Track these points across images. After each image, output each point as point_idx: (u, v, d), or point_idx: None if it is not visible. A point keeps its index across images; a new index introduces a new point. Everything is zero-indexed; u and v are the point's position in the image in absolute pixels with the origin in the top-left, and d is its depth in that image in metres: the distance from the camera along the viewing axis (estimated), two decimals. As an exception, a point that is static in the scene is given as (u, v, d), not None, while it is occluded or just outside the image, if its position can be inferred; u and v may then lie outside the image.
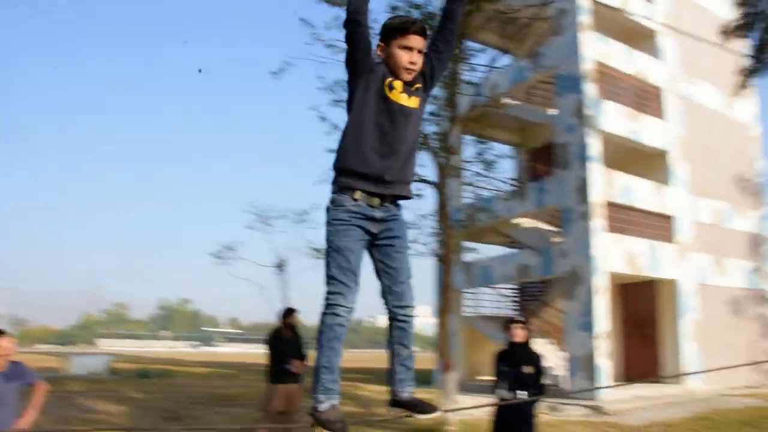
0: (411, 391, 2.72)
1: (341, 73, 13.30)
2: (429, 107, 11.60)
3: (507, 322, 6.61)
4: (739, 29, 11.13)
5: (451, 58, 2.87)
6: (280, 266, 21.84)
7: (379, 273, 2.70)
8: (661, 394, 16.39)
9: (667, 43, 20.84)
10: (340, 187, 2.62)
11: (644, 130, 19.34)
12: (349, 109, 2.66)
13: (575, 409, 13.62)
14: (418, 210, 15.12)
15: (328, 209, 2.62)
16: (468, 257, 21.01)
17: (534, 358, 6.38)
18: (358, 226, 2.59)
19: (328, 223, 2.59)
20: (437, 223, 11.35)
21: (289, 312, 9.07)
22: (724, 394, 16.72)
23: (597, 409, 13.43)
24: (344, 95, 2.74)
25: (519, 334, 6.40)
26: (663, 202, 19.36)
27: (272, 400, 8.60)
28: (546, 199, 18.93)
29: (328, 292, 2.55)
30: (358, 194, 2.58)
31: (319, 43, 11.43)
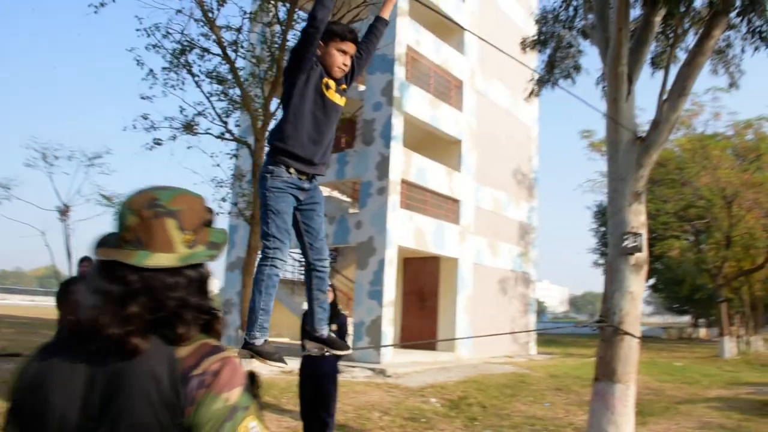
0: (327, 330, 3.36)
1: (160, 17, 12.75)
2: (253, 69, 11.64)
3: None
4: (535, 45, 12.40)
5: (367, 65, 3.44)
6: (63, 212, 20.39)
7: (301, 232, 3.19)
8: (435, 360, 17.98)
9: (470, 41, 22.48)
10: (276, 161, 3.05)
11: (443, 118, 20.77)
12: (290, 96, 3.09)
13: (360, 371, 14.52)
14: (231, 170, 15.03)
15: (265, 178, 3.03)
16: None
17: (339, 318, 7.05)
18: (291, 194, 3.06)
19: (268, 190, 3.02)
20: (251, 183, 11.46)
21: (85, 260, 8.46)
22: (488, 361, 18.76)
23: (380, 372, 14.45)
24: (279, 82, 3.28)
25: (327, 296, 7.02)
26: (452, 186, 21.00)
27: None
28: (347, 171, 19.64)
29: (268, 248, 2.99)
30: (292, 170, 3.04)
31: None
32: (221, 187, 12.98)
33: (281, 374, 13.34)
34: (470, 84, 22.52)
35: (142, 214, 1.26)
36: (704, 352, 28.19)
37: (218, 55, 11.05)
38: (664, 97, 6.91)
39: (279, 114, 12.68)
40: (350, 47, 3.20)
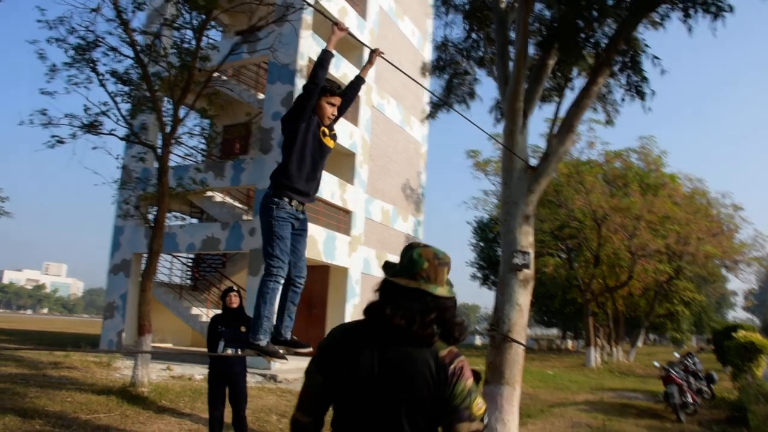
0: (290, 334, 3.99)
1: (63, 10, 12.39)
2: (164, 74, 11.64)
3: (226, 291, 7.72)
4: (434, 70, 13.00)
5: (345, 112, 4.25)
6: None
7: (289, 252, 3.87)
8: (322, 367, 18.37)
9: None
10: (281, 194, 3.79)
11: (339, 131, 21.18)
12: (293, 141, 3.82)
13: (251, 377, 14.68)
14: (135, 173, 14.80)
15: (271, 208, 3.77)
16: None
17: (248, 321, 7.54)
18: (291, 223, 3.82)
19: (273, 219, 3.75)
20: (156, 187, 11.45)
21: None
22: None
23: (271, 378, 14.71)
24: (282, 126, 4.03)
25: (235, 301, 7.57)
26: (345, 197, 21.54)
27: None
28: (242, 178, 19.70)
29: (273, 266, 3.72)
30: (294, 202, 3.81)
31: None
32: (124, 188, 12.81)
33: (172, 380, 13.34)
34: (366, 99, 23.21)
35: (432, 262, 2.12)
36: (572, 362, 30.25)
37: (129, 57, 11.00)
38: (555, 132, 7.77)
39: (188, 120, 12.81)
40: (337, 100, 3.99)
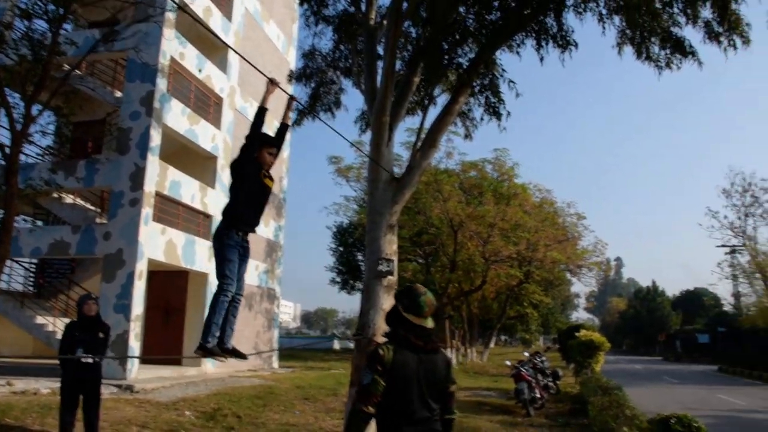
0: (232, 344, 4.72)
1: None
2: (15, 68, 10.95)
3: (83, 298, 7.67)
4: (300, 78, 13.10)
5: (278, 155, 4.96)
6: None
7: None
8: (181, 375, 17.91)
9: (232, 60, 22.91)
10: (230, 226, 4.53)
11: (201, 133, 20.85)
12: (240, 183, 4.64)
13: (105, 388, 14.05)
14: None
15: (222, 237, 4.49)
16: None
17: (105, 328, 7.58)
18: (237, 249, 4.54)
19: (224, 246, 4.47)
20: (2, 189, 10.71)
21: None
22: (233, 375, 19.11)
23: (127, 388, 14.16)
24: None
25: (93, 309, 7.55)
26: (205, 201, 21.11)
27: None
28: (96, 179, 18.74)
29: (224, 283, 4.43)
30: (240, 233, 4.56)
31: None
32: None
33: (15, 395, 12.51)
34: (229, 102, 22.90)
35: (430, 307, 3.47)
36: (428, 364, 31.28)
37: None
38: (418, 146, 8.18)
39: (41, 118, 12.03)
40: (274, 150, 4.79)
